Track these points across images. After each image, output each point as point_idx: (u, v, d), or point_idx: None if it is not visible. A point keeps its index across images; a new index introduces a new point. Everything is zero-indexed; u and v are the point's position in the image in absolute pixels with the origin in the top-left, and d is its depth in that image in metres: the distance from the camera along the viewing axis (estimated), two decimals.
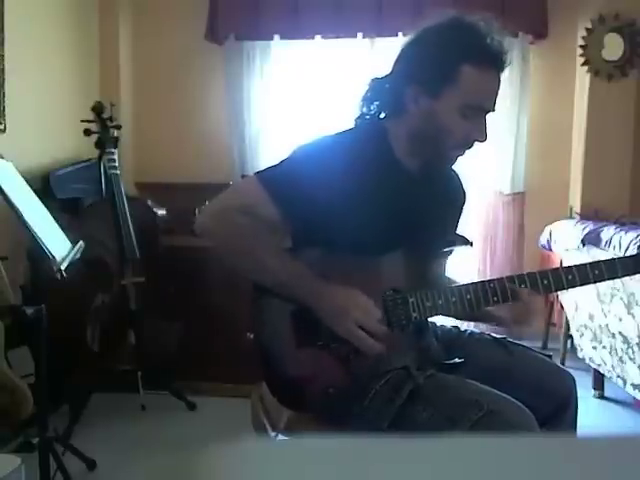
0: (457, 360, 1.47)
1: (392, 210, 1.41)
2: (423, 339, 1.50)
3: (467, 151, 1.43)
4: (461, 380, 1.34)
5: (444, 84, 1.35)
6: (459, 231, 1.59)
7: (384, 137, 1.45)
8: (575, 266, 1.40)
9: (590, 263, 1.41)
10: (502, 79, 1.40)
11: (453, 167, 1.54)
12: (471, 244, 1.49)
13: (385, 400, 1.31)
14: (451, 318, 1.65)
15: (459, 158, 1.45)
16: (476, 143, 1.41)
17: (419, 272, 1.43)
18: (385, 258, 1.39)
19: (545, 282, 1.38)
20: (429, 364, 1.41)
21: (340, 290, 1.32)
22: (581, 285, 1.40)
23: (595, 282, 1.40)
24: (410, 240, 1.38)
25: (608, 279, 1.40)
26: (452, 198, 1.59)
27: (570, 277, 1.39)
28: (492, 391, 1.28)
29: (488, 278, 1.40)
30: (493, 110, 1.40)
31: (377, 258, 1.39)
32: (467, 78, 1.34)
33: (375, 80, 1.48)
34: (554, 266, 2.14)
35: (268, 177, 1.38)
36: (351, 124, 1.51)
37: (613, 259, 1.42)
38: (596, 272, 1.39)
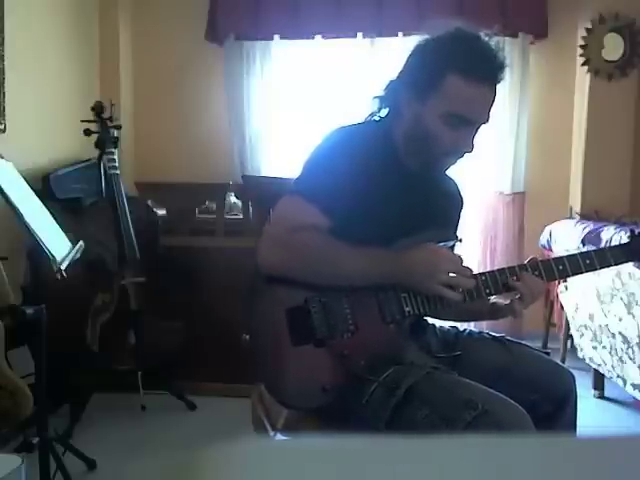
0: (455, 353, 1.48)
1: (392, 205, 1.43)
2: (422, 337, 1.50)
3: (458, 160, 1.45)
4: (457, 379, 1.34)
5: (431, 90, 1.38)
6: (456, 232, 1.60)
7: (390, 136, 1.47)
8: (566, 256, 1.41)
9: (581, 253, 1.42)
10: (497, 90, 1.40)
11: (450, 174, 1.56)
12: (460, 240, 1.50)
13: (382, 398, 1.31)
14: (450, 320, 1.65)
15: (452, 166, 1.47)
16: (466, 153, 1.42)
17: None
18: None
19: (536, 273, 1.39)
20: (428, 360, 1.42)
21: (416, 253, 1.34)
22: (573, 275, 1.41)
23: (587, 271, 1.40)
24: (407, 237, 1.40)
25: (600, 268, 1.41)
26: (449, 202, 1.61)
27: (561, 267, 1.40)
28: (487, 390, 1.28)
29: (480, 271, 1.40)
30: (484, 122, 1.41)
31: None
32: (452, 87, 1.36)
33: (389, 82, 1.50)
34: None
35: (310, 191, 1.38)
36: (361, 119, 1.53)
37: (604, 248, 1.44)
38: (587, 262, 1.40)
